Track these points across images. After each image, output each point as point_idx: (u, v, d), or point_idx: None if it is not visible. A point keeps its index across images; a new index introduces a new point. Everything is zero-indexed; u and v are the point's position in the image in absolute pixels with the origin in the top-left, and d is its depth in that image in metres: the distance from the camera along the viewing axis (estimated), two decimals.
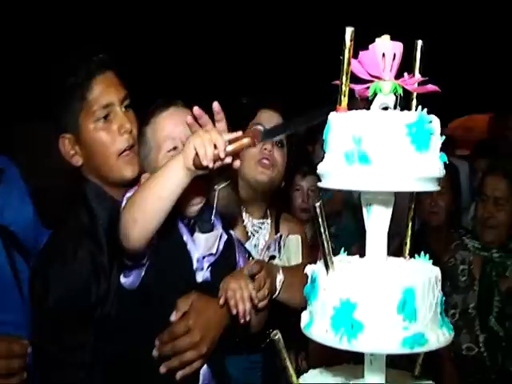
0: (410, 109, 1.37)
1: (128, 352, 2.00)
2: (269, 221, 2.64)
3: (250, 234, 2.57)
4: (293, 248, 2.58)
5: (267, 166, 2.48)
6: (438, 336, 1.23)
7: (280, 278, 2.22)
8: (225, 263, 2.09)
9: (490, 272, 3.31)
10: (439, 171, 1.25)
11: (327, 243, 1.26)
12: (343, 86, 1.28)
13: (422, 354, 1.43)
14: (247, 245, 2.49)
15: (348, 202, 4.48)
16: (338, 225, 4.41)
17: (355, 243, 4.02)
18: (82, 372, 2.03)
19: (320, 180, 1.33)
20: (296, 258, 2.57)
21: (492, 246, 3.34)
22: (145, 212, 1.79)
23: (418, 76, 1.36)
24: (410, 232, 1.44)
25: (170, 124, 2.07)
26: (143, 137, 2.11)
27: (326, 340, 1.23)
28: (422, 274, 1.25)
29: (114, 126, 2.15)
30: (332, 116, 1.29)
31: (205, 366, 2.01)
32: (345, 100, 1.28)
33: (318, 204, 1.24)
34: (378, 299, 1.19)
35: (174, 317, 1.98)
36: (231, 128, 2.02)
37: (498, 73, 6.41)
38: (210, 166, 1.71)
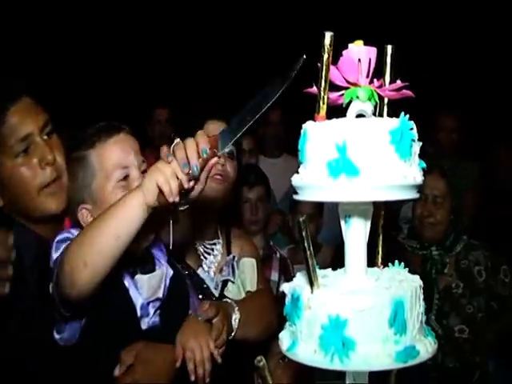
0: (381, 116, 1.34)
1: None
2: (220, 241, 2.52)
3: (201, 257, 2.44)
4: (248, 272, 2.46)
5: (220, 182, 2.36)
6: (426, 347, 1.21)
7: (236, 316, 2.10)
8: (175, 303, 1.94)
9: (430, 270, 3.38)
10: (420, 178, 1.22)
11: (311, 259, 1.20)
12: (322, 93, 1.22)
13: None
14: (200, 270, 2.37)
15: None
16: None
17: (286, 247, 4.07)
18: None
19: (296, 193, 1.27)
20: (251, 282, 2.45)
21: (431, 243, 3.41)
22: (98, 253, 1.58)
23: (388, 81, 1.33)
24: (381, 241, 1.41)
25: (121, 151, 1.87)
26: (83, 160, 1.88)
27: (314, 361, 1.17)
28: (408, 285, 1.22)
29: (34, 159, 1.93)
30: (309, 125, 1.23)
31: None
32: (323, 108, 1.23)
33: (301, 219, 1.18)
34: (370, 313, 1.14)
35: (117, 371, 1.80)
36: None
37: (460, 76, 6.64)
38: (176, 200, 1.57)
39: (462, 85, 6.46)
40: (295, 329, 1.23)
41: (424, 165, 1.25)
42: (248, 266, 2.49)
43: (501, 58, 6.56)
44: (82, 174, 1.87)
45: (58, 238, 1.78)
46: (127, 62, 7.14)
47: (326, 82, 1.21)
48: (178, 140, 1.64)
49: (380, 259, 1.39)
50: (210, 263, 2.45)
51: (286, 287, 1.29)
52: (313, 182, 1.20)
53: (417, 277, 1.29)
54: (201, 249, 2.46)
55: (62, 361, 1.79)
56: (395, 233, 3.74)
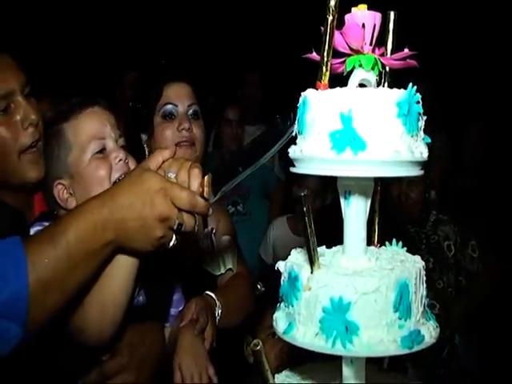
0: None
1: None
2: None
3: None
4: (228, 251, 2.41)
5: (187, 147, 2.25)
6: (430, 331, 1.16)
7: (218, 310, 2.10)
8: (160, 281, 1.87)
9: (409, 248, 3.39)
10: (426, 154, 1.15)
11: (313, 237, 1.12)
12: (325, 59, 1.13)
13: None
14: None
15: (256, 184, 4.52)
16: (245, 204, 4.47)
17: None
18: None
19: (293, 165, 1.19)
20: (232, 260, 2.41)
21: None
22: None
23: (389, 50, 1.25)
24: (377, 218, 1.34)
25: (96, 123, 1.80)
26: (58, 134, 1.81)
27: (315, 346, 1.10)
28: (411, 266, 1.16)
29: (15, 118, 1.79)
30: (310, 93, 1.15)
31: None
32: (326, 75, 1.14)
33: (303, 194, 1.10)
34: (375, 296, 1.08)
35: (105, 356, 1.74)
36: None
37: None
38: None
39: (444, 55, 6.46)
40: (292, 310, 1.15)
41: (429, 140, 1.18)
42: (225, 244, 2.44)
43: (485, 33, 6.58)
44: (57, 148, 1.79)
45: (33, 230, 1.69)
46: (100, 24, 6.95)
47: (329, 46, 1.12)
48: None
49: (376, 237, 1.33)
50: None
51: (281, 265, 1.21)
52: (314, 155, 1.12)
53: (418, 257, 1.23)
54: None
55: (47, 342, 1.68)
56: None
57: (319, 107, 1.12)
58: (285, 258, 1.25)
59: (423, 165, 1.16)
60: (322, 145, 1.10)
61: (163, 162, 1.46)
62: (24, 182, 1.82)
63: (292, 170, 1.19)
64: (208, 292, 2.17)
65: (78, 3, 6.87)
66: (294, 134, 1.21)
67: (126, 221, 1.38)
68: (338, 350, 1.08)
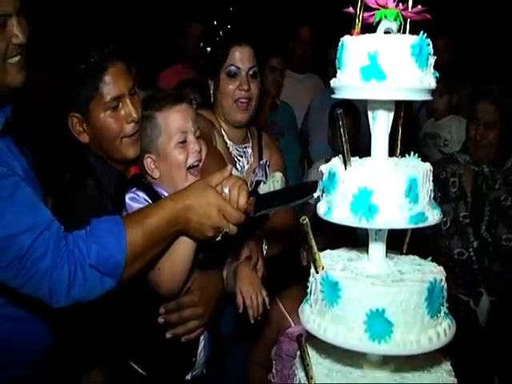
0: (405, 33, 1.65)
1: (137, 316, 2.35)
2: (250, 144, 2.91)
3: (235, 159, 2.84)
4: (276, 185, 2.92)
5: (244, 107, 2.77)
6: (433, 215, 1.56)
7: (265, 246, 2.63)
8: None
9: (481, 185, 3.76)
10: (434, 84, 1.54)
11: (346, 144, 1.54)
12: (358, 12, 1.53)
13: (409, 234, 1.76)
14: (233, 171, 2.76)
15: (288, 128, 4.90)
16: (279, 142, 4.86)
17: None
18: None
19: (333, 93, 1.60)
20: None
21: (483, 162, 3.77)
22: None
23: (410, 6, 1.63)
24: (399, 135, 1.74)
25: (182, 119, 2.33)
26: (152, 119, 2.34)
27: (346, 221, 1.52)
28: (421, 167, 1.57)
29: (121, 113, 2.34)
30: (346, 38, 1.55)
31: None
32: (358, 25, 1.54)
33: (339, 111, 1.51)
34: (391, 186, 1.49)
35: None
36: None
37: None
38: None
39: None
40: (331, 198, 1.57)
41: (437, 74, 1.56)
42: (277, 179, 2.91)
43: None
44: (149, 129, 2.34)
45: (128, 196, 2.25)
46: None
47: (361, 2, 1.52)
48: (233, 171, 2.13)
49: (398, 151, 1.73)
50: (242, 164, 2.84)
51: (323, 167, 1.64)
52: (349, 84, 1.53)
53: (428, 163, 1.62)
54: (234, 152, 2.84)
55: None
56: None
57: (353, 49, 1.53)
58: None
59: (431, 92, 1.55)
60: (354, 76, 1.51)
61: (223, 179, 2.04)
62: (124, 158, 2.41)
63: (332, 96, 1.61)
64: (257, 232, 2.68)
65: None
66: (314, 197, 1.70)
67: (190, 222, 2.03)
68: (363, 224, 1.50)
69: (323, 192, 1.63)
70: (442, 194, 3.85)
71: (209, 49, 2.87)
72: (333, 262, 1.66)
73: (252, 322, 2.38)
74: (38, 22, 2.34)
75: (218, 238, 2.09)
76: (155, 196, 2.28)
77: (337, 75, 1.59)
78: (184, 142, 2.31)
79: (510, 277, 3.70)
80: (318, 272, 1.59)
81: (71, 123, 2.37)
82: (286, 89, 5.67)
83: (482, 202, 3.78)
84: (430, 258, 1.71)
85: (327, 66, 5.93)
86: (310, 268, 1.65)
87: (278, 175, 2.98)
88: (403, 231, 1.72)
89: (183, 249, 2.15)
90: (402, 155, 1.71)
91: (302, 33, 6.21)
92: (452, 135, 5.25)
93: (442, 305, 1.56)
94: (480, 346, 3.69)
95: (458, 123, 5.19)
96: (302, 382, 1.61)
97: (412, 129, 4.69)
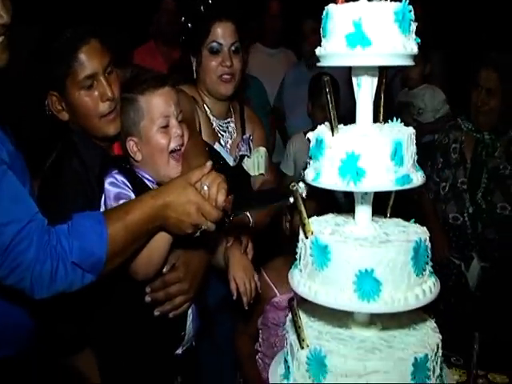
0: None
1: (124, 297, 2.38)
2: (233, 119, 2.95)
3: (218, 135, 2.86)
4: (262, 159, 2.95)
5: (228, 80, 2.79)
6: (417, 177, 1.61)
7: (252, 224, 2.67)
8: None
9: (481, 152, 3.84)
10: (416, 50, 1.58)
11: (333, 110, 1.58)
12: None
13: (393, 197, 1.82)
14: (216, 145, 2.79)
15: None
16: None
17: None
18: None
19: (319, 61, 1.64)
20: (261, 166, 2.98)
21: (485, 128, 3.83)
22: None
23: None
24: (382, 101, 1.78)
25: (165, 103, 2.34)
26: (135, 102, 2.34)
27: (335, 186, 1.56)
28: (405, 131, 1.62)
29: (96, 92, 2.36)
30: (331, 7, 1.58)
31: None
32: None
33: (326, 79, 1.55)
34: (377, 150, 1.53)
35: (165, 269, 2.34)
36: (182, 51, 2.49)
37: None
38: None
39: None
40: (318, 164, 1.61)
41: (419, 40, 1.60)
42: (262, 154, 2.95)
43: None
44: (132, 112, 2.34)
45: (107, 181, 2.27)
46: None
47: None
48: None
49: (381, 116, 1.77)
50: (226, 139, 2.88)
51: (310, 135, 1.67)
52: (334, 51, 1.57)
53: (410, 128, 1.67)
54: (217, 127, 2.87)
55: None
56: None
57: (338, 17, 1.56)
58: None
59: (414, 57, 1.60)
60: (340, 44, 1.55)
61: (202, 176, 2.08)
62: (105, 135, 2.43)
63: (318, 64, 1.64)
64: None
65: None
66: (290, 201, 1.71)
67: (169, 219, 2.08)
68: (351, 187, 1.54)
69: (309, 163, 1.68)
70: (443, 160, 3.94)
71: (190, 25, 2.88)
72: (321, 227, 1.71)
73: (246, 308, 2.46)
74: (25, 4, 2.37)
75: (197, 234, 2.16)
76: (135, 180, 2.33)
77: (322, 44, 1.62)
78: (166, 126, 2.33)
79: (502, 244, 3.81)
80: (307, 237, 1.64)
81: (50, 101, 2.40)
82: (257, 63, 5.58)
83: (480, 169, 3.86)
84: (413, 220, 1.77)
85: (301, 40, 5.93)
86: (295, 236, 1.70)
87: (262, 150, 3.02)
88: (388, 193, 1.78)
89: (161, 241, 2.19)
90: (385, 121, 1.76)
91: (272, 6, 6.20)
92: (426, 104, 5.37)
93: (427, 263, 1.62)
94: (471, 310, 3.81)
95: (432, 92, 5.31)
96: (294, 344, 1.66)
97: (386, 98, 4.72)
